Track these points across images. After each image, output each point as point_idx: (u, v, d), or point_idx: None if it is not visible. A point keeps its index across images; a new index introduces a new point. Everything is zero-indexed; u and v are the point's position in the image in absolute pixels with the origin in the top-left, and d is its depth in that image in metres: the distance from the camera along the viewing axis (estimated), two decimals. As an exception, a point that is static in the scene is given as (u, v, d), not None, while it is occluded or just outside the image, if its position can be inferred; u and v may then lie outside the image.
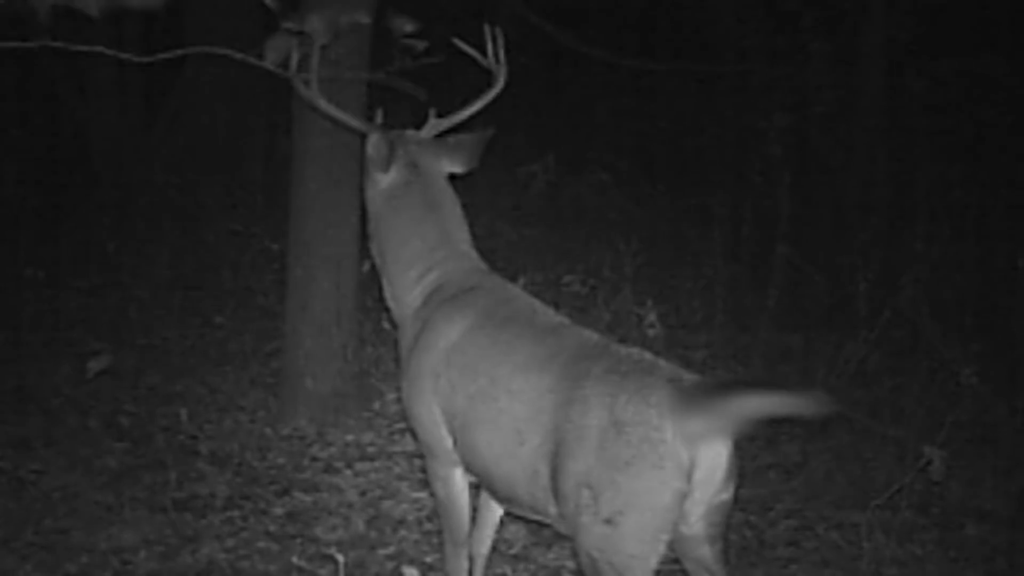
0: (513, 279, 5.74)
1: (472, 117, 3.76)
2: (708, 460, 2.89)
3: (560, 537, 4.27)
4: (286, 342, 5.17)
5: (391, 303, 3.69)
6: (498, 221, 7.85)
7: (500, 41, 3.69)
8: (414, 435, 3.62)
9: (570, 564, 4.11)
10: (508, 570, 4.10)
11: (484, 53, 3.71)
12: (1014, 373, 5.50)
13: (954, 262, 6.48)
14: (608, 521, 2.88)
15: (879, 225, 7.06)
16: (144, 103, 8.79)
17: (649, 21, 11.08)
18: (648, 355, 3.09)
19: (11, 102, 8.18)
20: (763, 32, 9.25)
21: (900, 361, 5.73)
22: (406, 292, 3.58)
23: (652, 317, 5.15)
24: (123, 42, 8.51)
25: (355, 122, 3.77)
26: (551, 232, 7.81)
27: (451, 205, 3.65)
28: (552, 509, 3.06)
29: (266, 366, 5.64)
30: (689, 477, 2.87)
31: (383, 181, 3.59)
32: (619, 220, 8.05)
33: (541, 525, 4.32)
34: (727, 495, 2.97)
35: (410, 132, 3.68)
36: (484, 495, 3.64)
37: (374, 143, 3.54)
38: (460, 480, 3.47)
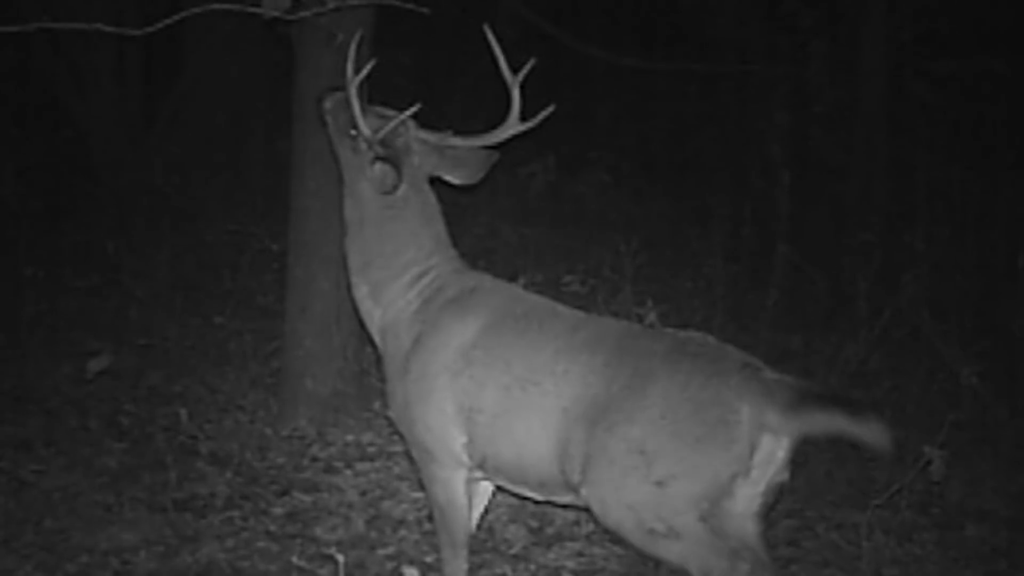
0: (513, 279, 5.76)
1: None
2: (770, 445, 3.00)
3: (560, 537, 4.28)
4: (286, 342, 5.17)
5: (371, 308, 3.65)
6: (498, 221, 7.85)
7: (514, 80, 3.58)
8: (406, 439, 3.60)
9: (570, 564, 4.11)
10: (508, 570, 4.10)
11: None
12: (1014, 373, 5.50)
13: (954, 262, 6.48)
14: (659, 483, 3.00)
15: (879, 225, 7.07)
16: (144, 103, 8.78)
17: (649, 21, 11.07)
18: (710, 338, 3.23)
19: (11, 103, 8.18)
20: (763, 32, 9.24)
21: (900, 361, 5.73)
22: (398, 297, 3.58)
23: (652, 317, 5.14)
24: (122, 46, 8.52)
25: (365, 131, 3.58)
26: (551, 232, 7.81)
27: (439, 213, 3.68)
28: (576, 476, 3.13)
29: (266, 366, 5.64)
30: (750, 459, 2.98)
31: (373, 180, 3.55)
32: (619, 220, 8.04)
33: (541, 525, 4.33)
34: (785, 476, 3.08)
35: (418, 134, 3.63)
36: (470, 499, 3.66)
37: (380, 170, 3.51)
38: (462, 483, 3.48)
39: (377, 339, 3.70)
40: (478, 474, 3.46)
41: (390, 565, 4.06)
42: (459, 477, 3.47)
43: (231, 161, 8.36)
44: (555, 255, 7.22)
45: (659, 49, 10.07)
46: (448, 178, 3.67)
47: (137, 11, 7.86)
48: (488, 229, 7.78)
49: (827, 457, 4.98)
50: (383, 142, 3.51)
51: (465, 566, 3.60)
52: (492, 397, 3.28)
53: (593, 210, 8.46)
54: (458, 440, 3.37)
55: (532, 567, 4.13)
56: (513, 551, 4.22)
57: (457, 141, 3.64)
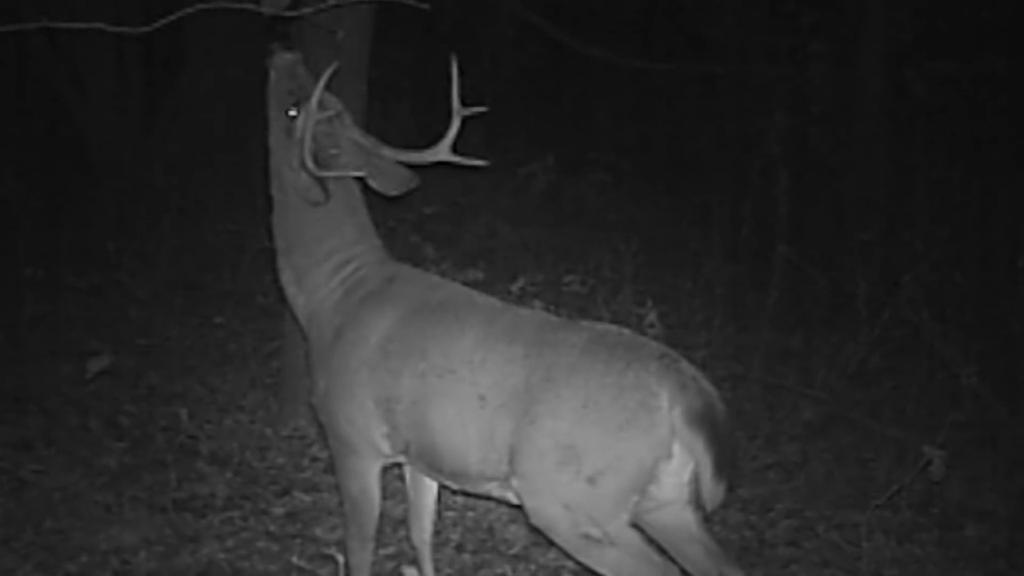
0: (513, 279, 5.77)
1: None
2: (687, 432, 3.04)
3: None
4: (286, 342, 5.17)
5: (295, 294, 3.68)
6: (498, 221, 7.85)
7: (458, 110, 3.56)
8: (326, 431, 3.62)
9: (570, 564, 4.11)
10: (508, 570, 4.10)
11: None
12: (1014, 373, 5.50)
13: (954, 262, 6.48)
14: (590, 480, 3.02)
15: (879, 225, 7.06)
16: (144, 103, 8.79)
17: (649, 21, 11.07)
18: (626, 330, 3.27)
19: (11, 102, 8.18)
20: (763, 32, 9.24)
21: (900, 361, 5.73)
22: (321, 285, 3.60)
23: (652, 317, 5.15)
24: (122, 45, 8.53)
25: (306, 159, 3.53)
26: (551, 232, 7.81)
27: (363, 204, 3.68)
28: (504, 468, 3.15)
29: (266, 366, 5.64)
30: (671, 443, 3.02)
31: (297, 183, 3.55)
32: (619, 220, 8.05)
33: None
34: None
35: (351, 135, 3.61)
36: (416, 485, 3.74)
37: (307, 184, 3.51)
38: (376, 475, 3.53)
39: (303, 324, 3.71)
40: (403, 459, 3.48)
41: (390, 565, 4.07)
42: (374, 469, 3.51)
43: (231, 161, 8.35)
44: (555, 255, 7.21)
45: (659, 49, 10.08)
46: (369, 183, 3.65)
47: (137, 11, 7.86)
48: (488, 229, 7.78)
49: (827, 457, 4.99)
50: (317, 159, 3.49)
51: (371, 559, 3.63)
52: (408, 385, 3.29)
53: (593, 210, 8.46)
54: (378, 430, 3.39)
55: (532, 567, 4.13)
56: (513, 551, 4.22)
57: (386, 152, 3.63)
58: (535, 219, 8.05)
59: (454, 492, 3.85)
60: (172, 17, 3.13)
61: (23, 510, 4.29)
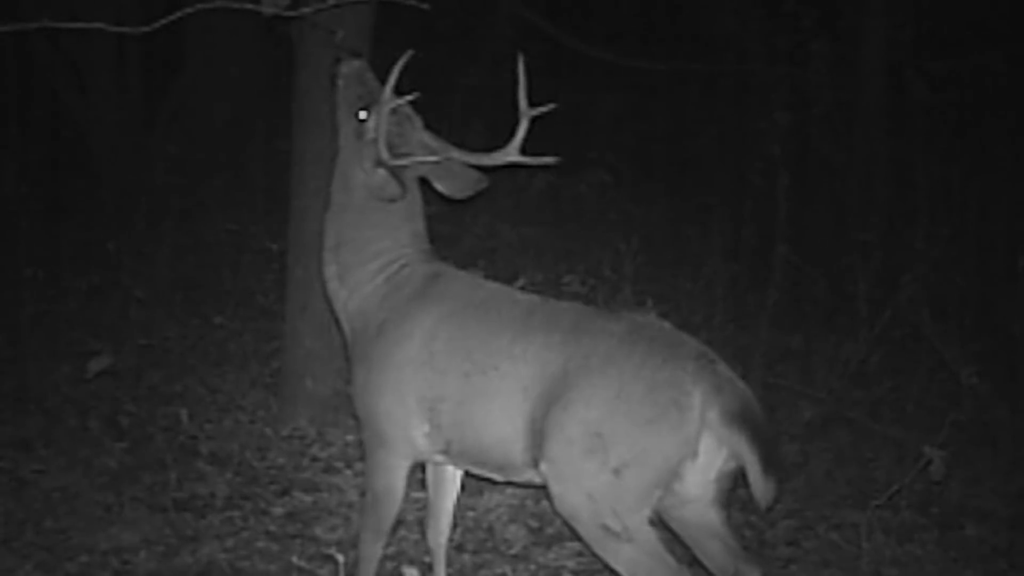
0: (513, 279, 5.77)
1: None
2: (728, 433, 3.05)
3: (560, 537, 4.27)
4: (286, 342, 5.18)
5: (336, 288, 3.67)
6: (498, 221, 7.85)
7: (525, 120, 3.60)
8: (360, 424, 3.63)
9: (570, 564, 4.12)
10: (508, 570, 4.10)
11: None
12: (1014, 373, 5.50)
13: (954, 262, 6.48)
14: (616, 471, 3.04)
15: (879, 225, 7.06)
16: (144, 103, 8.78)
17: (649, 21, 11.07)
18: (666, 324, 3.30)
19: (11, 102, 8.17)
20: (763, 32, 9.23)
21: (900, 361, 5.73)
22: (365, 282, 3.60)
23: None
24: (122, 45, 8.53)
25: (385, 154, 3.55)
26: (551, 232, 7.81)
27: (422, 211, 3.70)
28: (536, 451, 3.17)
29: (266, 366, 5.64)
30: (697, 443, 3.04)
31: (371, 182, 3.57)
32: (619, 220, 8.04)
33: (541, 525, 4.33)
34: (735, 463, 3.10)
35: (422, 137, 3.63)
36: (437, 486, 3.73)
37: (381, 182, 3.53)
38: (405, 473, 3.53)
39: (342, 320, 3.72)
40: (439, 458, 3.49)
41: (390, 565, 4.06)
42: (404, 466, 3.51)
43: (231, 161, 8.35)
44: (555, 255, 7.22)
45: (659, 49, 10.07)
46: (436, 186, 3.67)
47: (137, 11, 7.86)
48: (488, 229, 7.78)
49: (827, 457, 4.99)
50: (392, 152, 3.50)
51: (380, 554, 3.63)
52: (453, 385, 3.32)
53: (593, 210, 8.45)
54: (419, 429, 3.40)
55: (532, 567, 4.13)
56: (513, 551, 4.22)
57: (456, 154, 3.65)
58: (535, 219, 8.05)
59: (462, 489, 3.84)
60: (172, 17, 3.13)
61: (23, 510, 4.29)
